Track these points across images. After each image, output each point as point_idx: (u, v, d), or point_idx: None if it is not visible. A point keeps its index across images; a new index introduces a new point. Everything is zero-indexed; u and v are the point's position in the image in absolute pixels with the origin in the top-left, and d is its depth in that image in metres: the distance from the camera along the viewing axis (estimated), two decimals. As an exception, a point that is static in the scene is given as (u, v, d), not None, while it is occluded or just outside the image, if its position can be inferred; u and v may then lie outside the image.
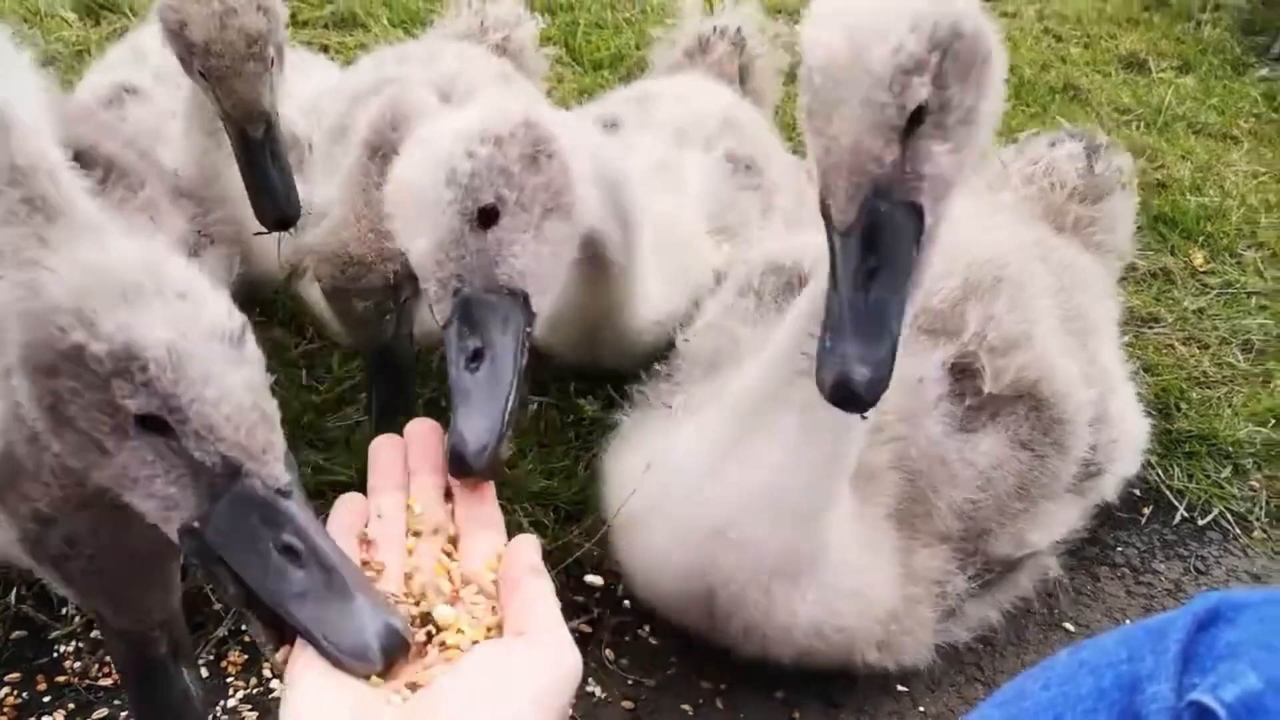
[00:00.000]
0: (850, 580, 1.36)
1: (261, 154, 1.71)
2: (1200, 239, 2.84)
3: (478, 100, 1.44)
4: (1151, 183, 3.14)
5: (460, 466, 1.01)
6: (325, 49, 3.61)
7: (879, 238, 1.04)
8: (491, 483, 1.01)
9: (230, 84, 1.65)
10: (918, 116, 1.02)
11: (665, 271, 1.79)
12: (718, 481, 1.31)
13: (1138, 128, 3.57)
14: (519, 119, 1.28)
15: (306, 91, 2.39)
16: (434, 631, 0.85)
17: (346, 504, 0.97)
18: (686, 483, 1.36)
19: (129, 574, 1.02)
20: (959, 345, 1.53)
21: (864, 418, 1.17)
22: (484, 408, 1.09)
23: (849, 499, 1.36)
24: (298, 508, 0.87)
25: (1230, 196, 3.06)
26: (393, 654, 0.81)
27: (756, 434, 1.29)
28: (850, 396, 1.02)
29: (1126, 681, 0.75)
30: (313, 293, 1.89)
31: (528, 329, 1.22)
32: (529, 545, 0.94)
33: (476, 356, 1.15)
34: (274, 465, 0.88)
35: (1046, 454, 1.55)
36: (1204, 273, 2.71)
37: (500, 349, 1.16)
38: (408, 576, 0.90)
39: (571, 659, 0.82)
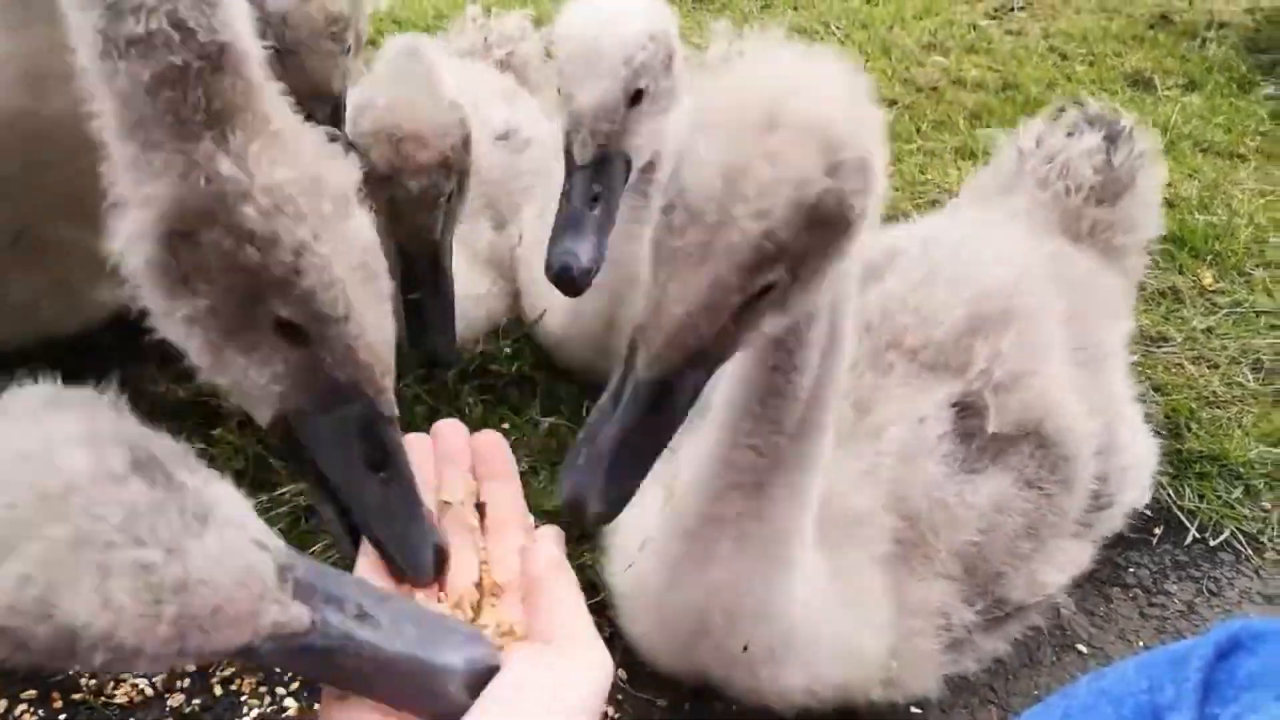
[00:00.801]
0: (833, 645, 1.36)
1: (426, 284, 1.71)
2: (1209, 258, 2.84)
3: None
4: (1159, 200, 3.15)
5: (569, 282, 1.52)
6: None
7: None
8: (519, 484, 1.02)
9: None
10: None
11: None
12: (679, 591, 1.33)
13: (1145, 146, 3.58)
14: (665, 26, 1.65)
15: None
16: None
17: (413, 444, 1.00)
18: (659, 582, 1.36)
19: None
20: (964, 383, 1.52)
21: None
22: (595, 235, 1.55)
23: (816, 570, 1.35)
24: (395, 435, 0.97)
25: (1238, 215, 3.07)
26: (441, 570, 0.92)
27: (694, 555, 1.29)
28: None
29: (1148, 711, 0.76)
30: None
31: None
32: (552, 539, 0.94)
33: (596, 198, 1.57)
34: (389, 395, 0.98)
35: (1054, 492, 1.54)
36: (1213, 291, 2.71)
37: (614, 198, 1.61)
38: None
39: (603, 661, 0.83)
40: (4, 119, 1.34)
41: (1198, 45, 4.78)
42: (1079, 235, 1.93)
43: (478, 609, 0.90)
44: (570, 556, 1.70)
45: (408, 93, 1.69)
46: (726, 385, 1.22)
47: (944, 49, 4.43)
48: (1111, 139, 1.96)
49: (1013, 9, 5.17)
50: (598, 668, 0.82)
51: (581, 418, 2.01)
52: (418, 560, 0.90)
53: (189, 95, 0.93)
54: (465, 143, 1.74)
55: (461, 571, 0.92)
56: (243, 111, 0.96)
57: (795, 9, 4.85)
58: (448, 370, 1.84)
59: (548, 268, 1.54)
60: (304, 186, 0.93)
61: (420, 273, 1.71)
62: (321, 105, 1.69)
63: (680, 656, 1.41)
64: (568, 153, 1.61)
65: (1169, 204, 3.10)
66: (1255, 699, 0.70)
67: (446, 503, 0.97)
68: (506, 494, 1.01)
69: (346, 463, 0.95)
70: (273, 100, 1.01)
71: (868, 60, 4.19)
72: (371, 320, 0.95)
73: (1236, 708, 0.70)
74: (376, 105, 1.68)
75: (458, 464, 1.01)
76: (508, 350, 2.11)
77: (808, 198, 0.90)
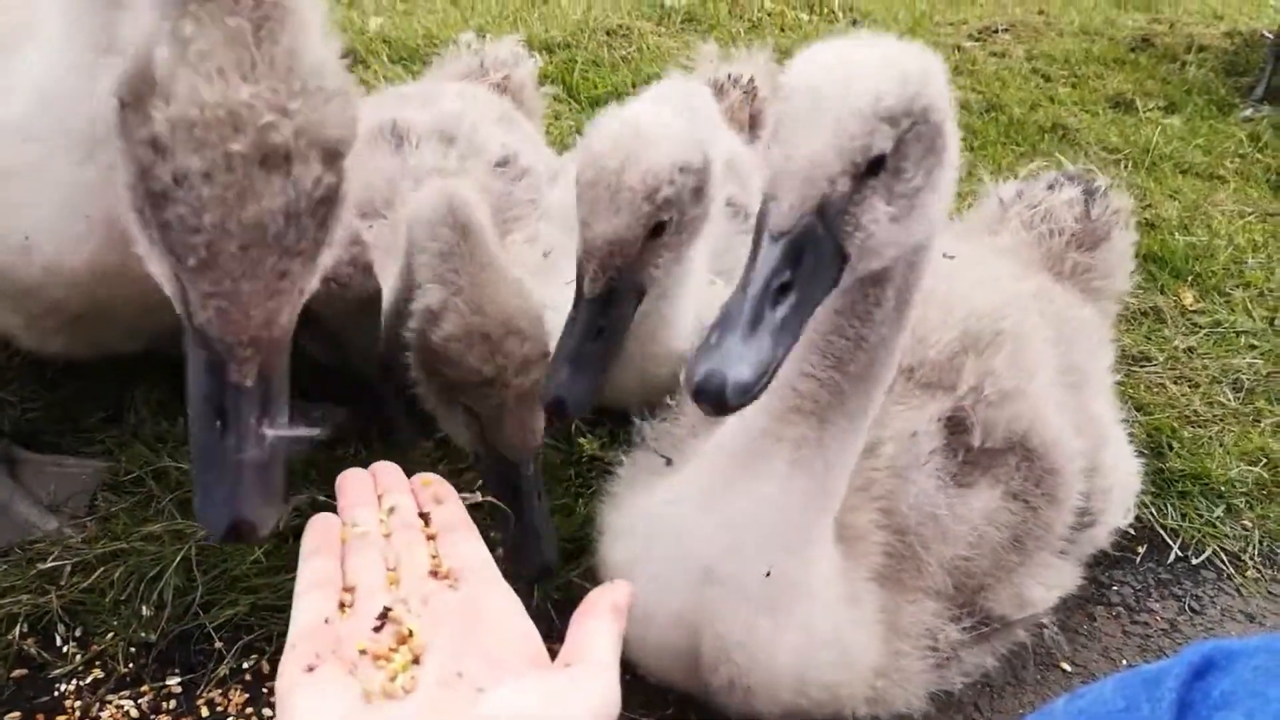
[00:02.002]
0: (830, 626, 1.36)
1: (531, 488, 1.53)
2: (1189, 278, 2.88)
3: (674, 98, 1.68)
4: (1140, 222, 3.18)
5: (560, 413, 1.43)
6: (326, 86, 3.66)
7: (804, 254, 1.05)
8: (459, 500, 1.01)
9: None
10: (874, 168, 1.07)
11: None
12: (708, 517, 1.33)
13: (1125, 167, 3.64)
14: (702, 154, 1.53)
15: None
16: (406, 635, 0.83)
17: (318, 524, 0.95)
18: (675, 526, 1.37)
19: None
20: (954, 399, 1.55)
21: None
22: (593, 372, 1.47)
23: (833, 547, 1.38)
24: (239, 395, 1.02)
25: (1218, 236, 3.12)
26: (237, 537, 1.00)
27: (747, 468, 1.31)
28: (718, 396, 0.99)
29: (1123, 730, 0.77)
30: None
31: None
32: (622, 589, 0.95)
33: (600, 333, 1.49)
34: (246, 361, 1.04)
35: (1039, 505, 1.55)
36: (1193, 311, 2.75)
37: (618, 333, 1.53)
38: (390, 580, 0.90)
39: (612, 698, 0.83)
40: (89, 265, 1.37)
41: (1178, 68, 4.85)
42: (1061, 274, 1.99)
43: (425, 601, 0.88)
44: (556, 574, 1.72)
45: (489, 287, 1.49)
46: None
47: (929, 71, 4.48)
48: (1089, 194, 2.05)
49: (997, 31, 5.24)
50: (606, 703, 0.83)
51: (569, 438, 2.02)
52: (211, 518, 0.98)
53: None
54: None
55: (406, 569, 0.91)
56: None
57: (782, 30, 4.91)
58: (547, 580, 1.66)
59: (542, 396, 1.43)
60: None
61: (526, 480, 1.52)
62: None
63: (677, 617, 1.37)
64: (579, 279, 1.50)
65: (1150, 225, 3.15)
66: (1228, 717, 0.71)
67: (392, 509, 0.97)
68: (452, 507, 1.01)
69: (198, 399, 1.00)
70: None
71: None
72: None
73: (1210, 726, 0.72)
74: (458, 306, 1.46)
75: (399, 487, 1.02)
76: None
77: (906, 86, 1.08)
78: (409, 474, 1.04)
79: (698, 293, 1.96)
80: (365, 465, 1.03)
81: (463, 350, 1.44)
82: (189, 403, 1.01)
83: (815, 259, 1.07)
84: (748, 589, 1.32)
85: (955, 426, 1.55)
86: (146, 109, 0.94)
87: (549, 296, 1.70)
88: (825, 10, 5.26)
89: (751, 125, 2.60)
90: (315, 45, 1.01)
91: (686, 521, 1.37)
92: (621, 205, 1.44)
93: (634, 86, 3.87)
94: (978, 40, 5.06)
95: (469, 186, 1.65)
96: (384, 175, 2.12)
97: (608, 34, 4.42)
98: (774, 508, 1.30)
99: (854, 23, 5.25)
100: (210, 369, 0.99)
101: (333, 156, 1.00)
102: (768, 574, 1.30)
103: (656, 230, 1.49)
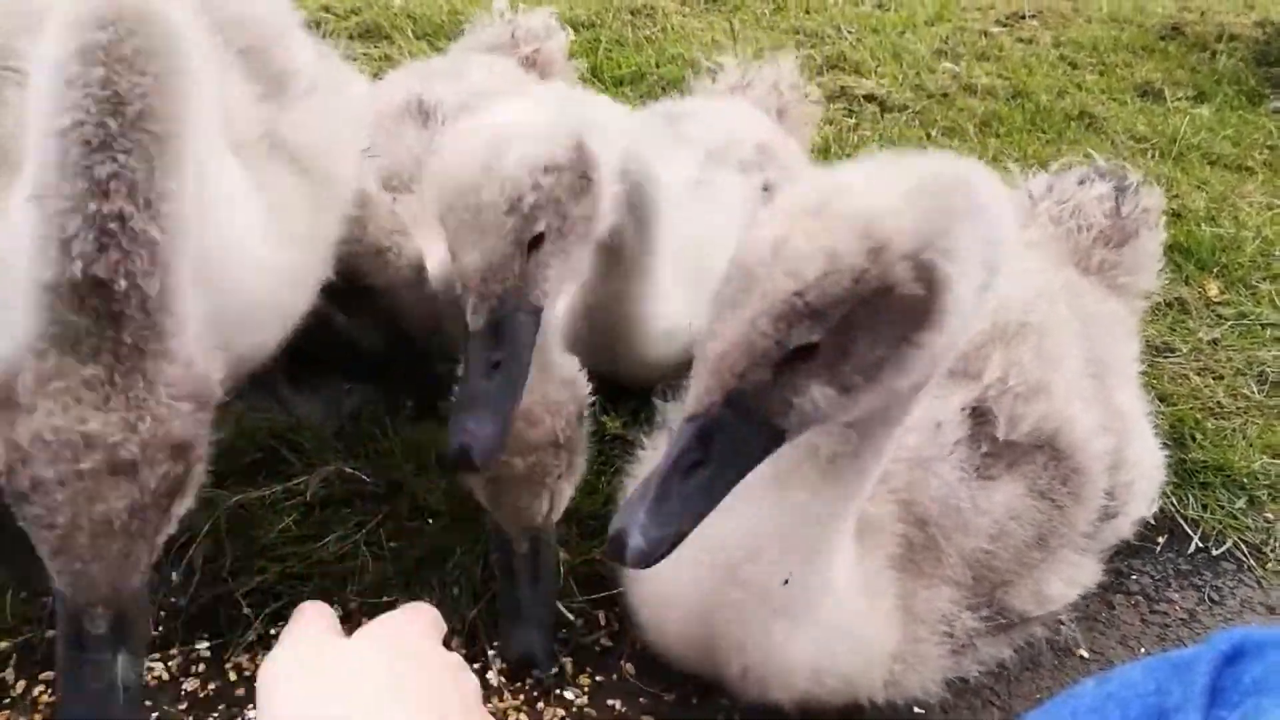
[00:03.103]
0: (847, 623, 1.37)
1: (524, 572, 1.53)
2: (1215, 269, 2.86)
3: (528, 103, 1.44)
4: (1166, 212, 3.15)
5: (467, 464, 1.25)
6: (350, 60, 3.66)
7: (715, 438, 1.07)
8: None
9: None
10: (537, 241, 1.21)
11: (696, 289, 1.82)
12: (733, 519, 1.31)
13: (1153, 157, 3.60)
14: (573, 144, 1.34)
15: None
16: None
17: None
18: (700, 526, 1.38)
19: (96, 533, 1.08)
20: (980, 388, 1.54)
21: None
22: (494, 413, 1.29)
23: (851, 544, 1.38)
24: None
25: (1245, 228, 3.09)
26: None
27: (778, 473, 1.30)
28: (619, 557, 1.07)
29: (1155, 713, 0.78)
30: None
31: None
32: None
33: (497, 366, 1.31)
34: None
35: (1065, 504, 1.56)
36: (1219, 303, 2.73)
37: (519, 362, 1.33)
38: None
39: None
40: None
41: (1208, 57, 4.79)
42: (1088, 269, 2.00)
43: None
44: (581, 551, 1.74)
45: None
46: None
47: (955, 55, 4.45)
48: (1121, 190, 2.04)
49: (1024, 16, 5.19)
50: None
51: (593, 415, 2.02)
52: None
53: None
54: (580, 418, 1.54)
55: None
56: None
57: (807, 12, 4.88)
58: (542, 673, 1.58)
59: (449, 444, 1.30)
60: None
61: (519, 559, 1.52)
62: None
63: (697, 613, 1.39)
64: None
65: (1176, 215, 3.12)
66: (1259, 703, 0.72)
67: None
68: None
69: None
70: None
71: (878, 65, 4.21)
72: None
73: (1242, 711, 0.72)
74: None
75: None
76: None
77: (840, 269, 0.99)
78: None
79: (679, 265, 1.93)
80: (394, 440, 1.07)
81: None
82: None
83: (730, 441, 1.06)
84: (767, 592, 1.33)
85: (980, 417, 1.55)
86: (11, 416, 1.04)
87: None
88: (852, -8, 5.22)
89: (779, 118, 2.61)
90: (180, 360, 1.09)
91: (709, 523, 1.37)
92: (486, 226, 1.27)
93: (658, 66, 3.86)
94: (1005, 26, 5.01)
95: None
96: (411, 151, 2.14)
97: (632, 13, 4.41)
98: (800, 516, 1.29)
99: (880, 5, 5.21)
100: (69, 616, 1.09)
101: (181, 450, 1.09)
102: (785, 582, 1.31)
103: (535, 242, 1.31)
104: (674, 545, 1.08)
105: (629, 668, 1.64)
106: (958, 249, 1.03)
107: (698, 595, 1.36)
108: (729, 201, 2.05)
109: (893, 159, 1.12)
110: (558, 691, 1.58)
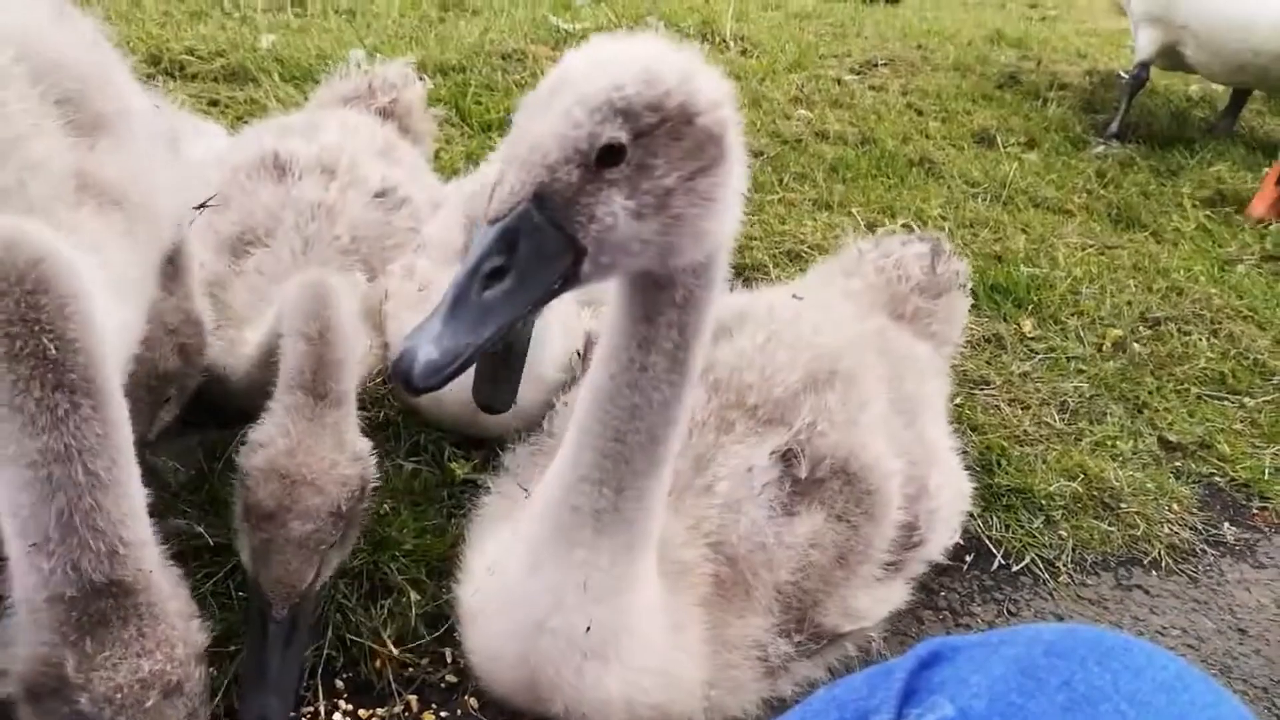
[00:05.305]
0: (656, 659, 1.48)
1: (276, 639, 1.53)
2: (1029, 307, 3.15)
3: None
4: (991, 254, 3.46)
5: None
6: (214, 103, 3.67)
7: (520, 241, 1.03)
8: None
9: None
10: (609, 158, 1.04)
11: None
12: (534, 578, 1.44)
13: (983, 200, 3.91)
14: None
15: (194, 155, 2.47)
16: None
17: None
18: (510, 582, 1.48)
19: None
20: (790, 434, 1.69)
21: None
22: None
23: (655, 583, 1.49)
24: None
25: (1059, 268, 3.40)
26: None
27: (558, 533, 1.41)
28: (407, 375, 1.00)
29: (861, 714, 0.93)
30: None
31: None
32: None
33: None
34: None
35: (859, 523, 1.71)
36: (1031, 339, 3.00)
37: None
38: None
39: None
40: None
41: (1040, 105, 5.21)
42: (903, 316, 2.22)
43: None
44: (432, 595, 1.81)
45: (313, 439, 1.55)
46: (582, 396, 1.38)
47: (810, 102, 4.72)
48: (936, 253, 2.31)
49: (876, 64, 5.53)
50: None
51: (443, 462, 2.12)
52: None
53: None
54: (363, 493, 1.62)
55: None
56: None
57: (674, 59, 5.07)
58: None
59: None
60: None
61: (274, 625, 1.52)
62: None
63: (518, 660, 1.49)
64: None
65: (998, 258, 3.41)
66: (935, 701, 0.88)
67: None
68: None
69: None
70: None
71: (740, 110, 4.43)
72: None
73: (921, 709, 0.88)
74: (276, 445, 1.54)
75: None
76: (376, 394, 2.22)
77: (655, 80, 1.10)
78: None
79: (566, 320, 2.09)
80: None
81: (258, 481, 1.52)
82: None
83: (534, 247, 1.06)
84: (575, 639, 1.44)
85: (788, 459, 1.71)
86: (68, 695, 1.17)
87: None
88: (717, 39, 5.47)
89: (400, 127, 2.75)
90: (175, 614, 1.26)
91: (516, 579, 1.47)
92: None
93: (526, 112, 3.98)
94: (858, 74, 5.34)
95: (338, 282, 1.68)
96: (266, 206, 2.19)
97: (503, 58, 4.52)
98: (587, 570, 1.40)
99: (743, 52, 5.47)
100: None
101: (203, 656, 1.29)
102: (588, 629, 1.43)
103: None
104: (468, 361, 1.00)
105: (472, 702, 1.73)
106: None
107: (516, 646, 1.48)
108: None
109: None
110: (403, 728, 1.66)
